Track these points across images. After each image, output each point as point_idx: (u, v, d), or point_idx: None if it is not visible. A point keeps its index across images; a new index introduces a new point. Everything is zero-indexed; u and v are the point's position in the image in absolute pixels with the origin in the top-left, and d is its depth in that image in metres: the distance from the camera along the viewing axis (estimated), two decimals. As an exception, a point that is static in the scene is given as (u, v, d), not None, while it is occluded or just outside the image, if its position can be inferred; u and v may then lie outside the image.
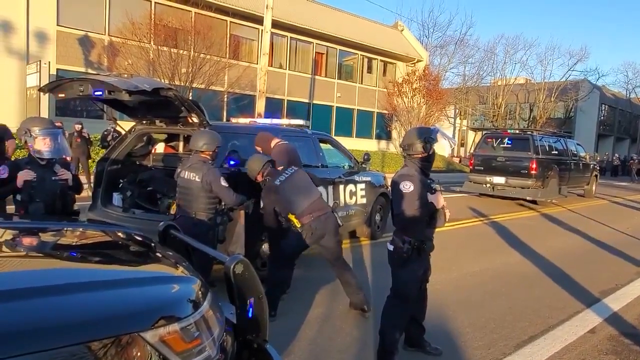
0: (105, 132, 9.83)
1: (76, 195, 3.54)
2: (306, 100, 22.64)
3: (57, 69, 14.55)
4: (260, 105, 13.47)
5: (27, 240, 2.13)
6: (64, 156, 3.48)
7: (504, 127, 26.59)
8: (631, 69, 52.53)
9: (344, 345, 3.46)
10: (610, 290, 5.11)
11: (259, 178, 4.11)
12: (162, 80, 12.72)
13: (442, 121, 28.46)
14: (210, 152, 3.91)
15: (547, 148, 12.52)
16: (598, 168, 16.97)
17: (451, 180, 15.65)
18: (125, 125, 6.02)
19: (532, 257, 6.52)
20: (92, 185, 6.01)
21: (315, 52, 23.05)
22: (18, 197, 3.15)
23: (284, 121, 6.58)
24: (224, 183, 3.81)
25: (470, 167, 13.27)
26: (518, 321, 4.06)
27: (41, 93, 6.13)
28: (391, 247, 3.06)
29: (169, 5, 16.83)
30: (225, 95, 18.04)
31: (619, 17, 65.33)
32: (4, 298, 1.31)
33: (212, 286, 1.98)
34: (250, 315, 1.80)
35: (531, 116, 37.42)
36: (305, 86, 22.49)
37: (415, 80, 23.08)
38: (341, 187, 6.05)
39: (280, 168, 4.16)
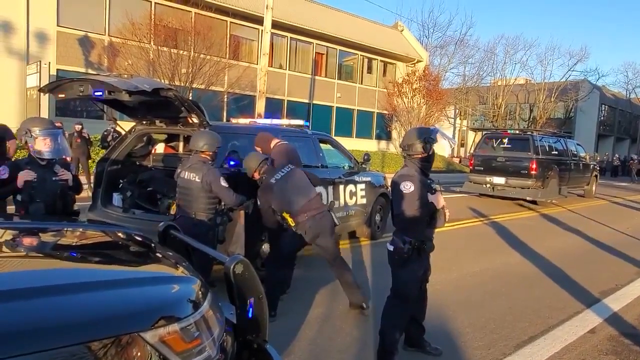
0: (105, 133, 9.84)
1: (76, 196, 3.54)
2: (306, 101, 22.65)
3: (57, 70, 14.56)
4: (260, 106, 13.48)
5: (28, 241, 2.13)
6: (64, 156, 3.48)
7: (504, 128, 26.59)
8: (631, 69, 52.74)
9: (344, 345, 3.46)
10: (610, 290, 5.11)
11: (256, 176, 4.11)
12: (162, 81, 12.73)
13: (442, 121, 28.46)
14: (211, 153, 3.91)
15: (547, 148, 12.52)
16: (598, 168, 16.98)
17: (451, 180, 15.65)
18: (125, 125, 6.02)
19: (532, 257, 6.52)
20: (92, 185, 6.01)
21: (315, 53, 23.06)
22: (18, 197, 3.15)
23: (284, 121, 6.58)
24: (223, 183, 3.81)
25: (470, 167, 13.27)
26: (518, 321, 4.06)
27: (41, 93, 6.13)
28: (391, 248, 3.06)
29: (169, 6, 16.83)
30: (225, 96, 18.04)
31: (619, 17, 65.45)
32: (4, 298, 1.31)
33: (212, 286, 1.98)
34: (250, 315, 1.80)
35: (531, 116, 37.43)
36: (305, 86, 22.50)
37: (415, 80, 23.08)
38: (341, 187, 6.06)
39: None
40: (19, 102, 13.68)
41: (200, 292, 1.68)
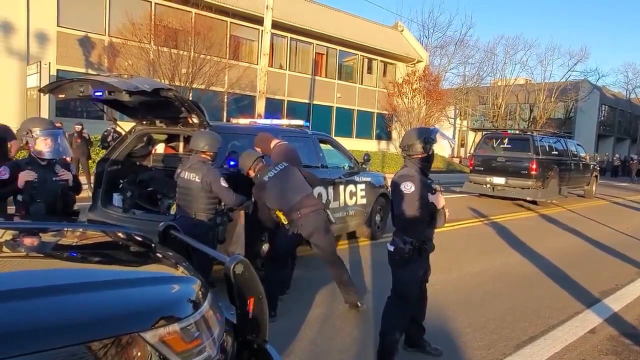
0: (106, 133, 9.84)
1: (76, 196, 3.54)
2: (306, 101, 22.65)
3: (58, 70, 14.56)
4: (260, 106, 13.48)
5: (28, 241, 2.14)
6: (64, 157, 3.48)
7: (504, 128, 26.58)
8: (631, 69, 52.75)
9: (344, 345, 3.46)
10: (611, 290, 5.11)
11: (251, 174, 4.11)
12: (162, 81, 12.73)
13: (442, 122, 28.45)
14: (211, 153, 3.91)
15: (547, 148, 12.52)
16: (598, 168, 16.97)
17: (451, 180, 15.65)
18: (126, 125, 6.02)
19: (532, 257, 6.52)
20: (92, 185, 6.01)
21: (315, 53, 23.06)
22: (19, 197, 3.16)
23: (284, 121, 6.59)
24: (223, 183, 3.82)
25: (470, 167, 13.27)
26: (518, 321, 4.06)
27: (41, 94, 6.13)
28: (392, 248, 3.06)
29: (169, 6, 16.84)
30: (226, 96, 18.04)
31: (619, 17, 65.46)
32: (5, 298, 1.31)
33: (212, 286, 1.98)
34: (250, 315, 1.80)
35: (531, 116, 37.43)
36: (306, 87, 22.50)
37: (415, 80, 23.09)
38: (341, 187, 6.06)
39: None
40: (19, 102, 13.68)
41: (200, 292, 1.68)
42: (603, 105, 40.78)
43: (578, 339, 3.74)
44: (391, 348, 3.06)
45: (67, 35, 15.25)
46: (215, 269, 3.80)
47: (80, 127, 10.24)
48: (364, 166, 6.65)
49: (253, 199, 4.16)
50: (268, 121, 6.69)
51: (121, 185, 5.24)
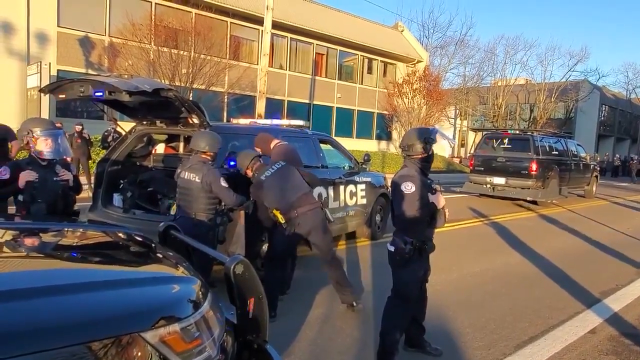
0: (106, 133, 9.84)
1: (76, 196, 3.55)
2: (306, 101, 22.66)
3: (58, 70, 14.57)
4: (260, 106, 13.48)
5: (28, 241, 2.14)
6: (64, 157, 3.48)
7: (504, 128, 26.57)
8: (631, 69, 52.73)
9: (344, 345, 3.46)
10: (611, 290, 5.11)
11: (249, 173, 4.11)
12: (163, 81, 12.73)
13: (442, 122, 28.46)
14: (212, 154, 3.91)
15: (547, 148, 12.52)
16: (598, 168, 16.97)
17: (451, 180, 15.65)
18: (126, 126, 6.03)
19: (533, 257, 6.52)
20: (92, 186, 6.01)
21: (316, 53, 23.07)
22: (20, 197, 3.16)
23: (284, 122, 6.59)
24: (223, 184, 3.82)
25: (471, 167, 13.27)
26: (518, 321, 4.06)
27: (42, 94, 6.14)
28: (392, 248, 3.06)
29: (169, 6, 16.85)
30: (226, 96, 18.04)
31: (619, 17, 65.44)
32: (5, 298, 1.31)
33: (212, 286, 1.98)
34: (250, 315, 1.80)
35: (531, 117, 37.43)
36: (306, 87, 22.50)
37: (416, 80, 23.09)
38: (341, 187, 6.06)
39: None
40: (19, 102, 13.69)
41: (200, 293, 1.68)
42: (603, 106, 40.78)
43: (578, 339, 3.74)
44: (391, 348, 3.06)
45: (68, 35, 15.26)
46: (215, 269, 3.80)
47: (81, 127, 10.24)
48: (364, 166, 6.65)
49: (253, 199, 4.16)
50: (268, 121, 6.70)
51: (121, 185, 5.24)
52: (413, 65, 26.83)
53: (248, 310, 1.79)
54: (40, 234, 2.27)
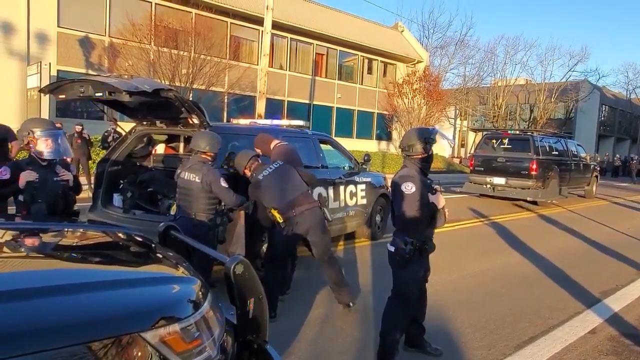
0: (106, 133, 9.84)
1: (76, 196, 3.55)
2: (306, 101, 22.66)
3: (58, 70, 14.57)
4: (260, 106, 13.48)
5: (28, 241, 2.14)
6: (65, 157, 3.48)
7: (504, 128, 26.58)
8: (631, 69, 52.62)
9: (345, 346, 3.46)
10: (611, 290, 5.11)
11: (247, 173, 4.11)
12: (163, 81, 12.74)
13: (442, 122, 28.45)
14: (212, 154, 3.91)
15: (547, 149, 12.52)
16: (598, 169, 16.96)
17: (451, 180, 15.65)
18: (126, 126, 6.03)
19: (533, 257, 6.52)
20: (92, 186, 6.01)
21: (316, 53, 23.08)
22: (20, 197, 3.16)
23: (284, 122, 6.59)
24: (223, 184, 3.82)
25: (471, 167, 13.27)
26: (518, 322, 4.06)
27: (42, 94, 6.14)
28: (392, 248, 3.05)
29: (169, 7, 16.85)
30: (226, 96, 18.05)
31: (619, 17, 65.45)
32: (5, 298, 1.31)
33: (212, 287, 1.98)
34: (250, 315, 1.80)
35: (531, 117, 37.42)
36: (306, 87, 22.51)
37: (416, 81, 23.09)
38: (341, 187, 6.06)
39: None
40: (19, 102, 13.69)
41: (200, 293, 1.68)
42: (603, 106, 40.77)
43: (578, 339, 3.74)
44: (391, 348, 3.06)
45: (68, 35, 15.26)
46: (215, 269, 3.80)
47: (81, 127, 10.24)
48: (364, 166, 6.65)
49: (253, 200, 4.16)
50: (268, 121, 6.70)
51: (121, 185, 5.24)
52: (413, 66, 26.84)
53: (248, 310, 1.80)
54: (41, 234, 2.27)
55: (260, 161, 4.17)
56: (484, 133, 15.46)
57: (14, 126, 5.31)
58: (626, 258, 6.70)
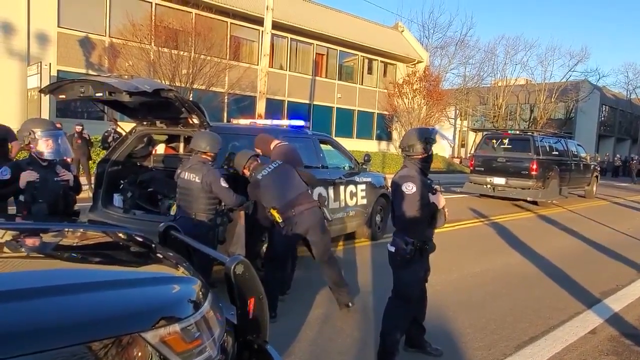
0: (106, 134, 9.85)
1: (77, 196, 3.55)
2: (307, 101, 22.66)
3: (58, 71, 14.58)
4: (260, 106, 13.48)
5: (29, 241, 2.14)
6: (65, 157, 3.49)
7: (504, 128, 26.58)
8: (632, 69, 52.44)
9: (345, 346, 3.46)
10: (611, 290, 5.11)
11: (246, 172, 4.10)
12: (163, 82, 12.74)
13: (442, 122, 28.45)
14: (212, 154, 3.91)
15: (547, 149, 12.52)
16: (599, 169, 16.96)
17: (452, 181, 15.65)
18: (126, 126, 6.03)
19: (533, 257, 6.52)
20: (92, 186, 6.01)
21: (316, 53, 23.08)
22: (21, 197, 3.16)
23: (284, 122, 6.59)
24: (224, 184, 3.82)
25: (471, 167, 13.27)
26: (519, 322, 4.06)
27: (42, 94, 6.14)
28: (392, 249, 3.05)
29: (169, 7, 16.86)
30: (226, 97, 18.05)
31: (619, 18, 65.44)
32: (5, 298, 1.31)
33: (212, 287, 1.98)
34: (250, 315, 1.80)
35: (532, 117, 37.42)
36: (306, 87, 22.51)
37: (416, 81, 23.09)
38: (341, 188, 6.06)
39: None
40: (19, 103, 13.70)
41: (200, 293, 1.68)
42: (603, 106, 40.77)
43: (578, 340, 3.74)
44: (392, 349, 3.06)
45: (68, 35, 15.27)
46: (215, 269, 3.80)
47: (81, 127, 10.25)
48: (364, 167, 6.65)
49: (253, 200, 4.16)
50: (268, 122, 6.70)
51: (122, 185, 5.24)
52: (413, 66, 26.84)
53: (248, 310, 1.80)
54: (41, 235, 2.27)
55: (259, 161, 4.17)
56: (484, 133, 15.47)
57: (14, 126, 5.31)
58: (626, 258, 6.70)
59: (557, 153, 12.94)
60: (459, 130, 37.99)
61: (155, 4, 16.92)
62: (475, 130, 36.10)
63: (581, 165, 14.12)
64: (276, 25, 16.25)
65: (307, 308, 4.11)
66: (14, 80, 13.99)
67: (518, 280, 5.39)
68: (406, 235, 2.99)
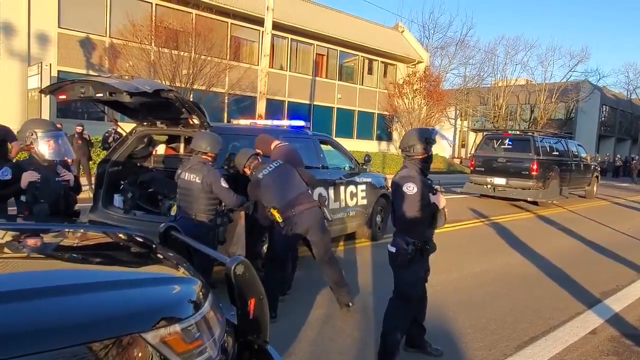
0: (107, 134, 9.86)
1: (77, 197, 3.55)
2: (307, 102, 22.66)
3: (59, 71, 14.57)
4: (261, 107, 13.48)
5: (29, 242, 2.14)
6: (66, 158, 3.49)
7: (504, 128, 26.58)
8: (632, 69, 52.26)
9: (345, 346, 3.46)
10: (612, 291, 5.10)
11: (247, 171, 4.11)
12: (163, 82, 12.74)
13: (442, 122, 28.44)
14: (213, 154, 3.91)
15: (547, 149, 12.51)
16: (599, 169, 16.95)
17: (452, 181, 15.65)
18: (127, 127, 6.03)
19: (533, 258, 6.52)
20: (92, 186, 6.02)
21: (316, 54, 23.08)
22: (22, 198, 3.17)
23: (284, 122, 6.59)
24: (224, 184, 3.82)
25: (471, 168, 13.27)
26: (519, 322, 4.06)
27: (42, 95, 6.15)
28: (393, 249, 3.05)
29: (169, 7, 16.86)
30: (226, 97, 18.05)
31: (620, 18, 65.42)
32: (6, 299, 1.31)
33: (213, 287, 1.98)
34: (251, 316, 1.80)
35: (532, 117, 37.41)
36: (306, 87, 22.51)
37: (416, 81, 23.08)
38: (342, 188, 6.06)
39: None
40: (20, 103, 13.71)
41: (201, 293, 1.68)
42: (604, 106, 40.74)
43: (579, 340, 3.74)
44: (392, 349, 3.06)
45: (68, 36, 15.28)
46: (216, 269, 3.81)
47: (81, 128, 10.26)
48: (364, 167, 6.65)
49: (252, 200, 4.16)
50: (269, 122, 6.70)
51: (122, 186, 5.25)
52: (413, 66, 26.84)
53: (249, 310, 1.80)
54: (42, 235, 2.27)
55: (260, 159, 4.17)
56: (485, 133, 15.47)
57: (15, 127, 5.31)
58: (627, 258, 6.70)
59: (557, 153, 12.94)
60: (459, 131, 37.98)
61: (156, 4, 16.93)
62: (475, 131, 36.09)
63: (581, 165, 14.11)
64: (276, 26, 16.25)
65: (307, 308, 4.11)
66: (14, 80, 14.00)
67: (518, 281, 5.39)
68: (407, 236, 3.00)
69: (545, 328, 3.96)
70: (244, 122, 6.57)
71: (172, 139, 5.92)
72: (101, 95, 4.07)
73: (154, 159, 5.60)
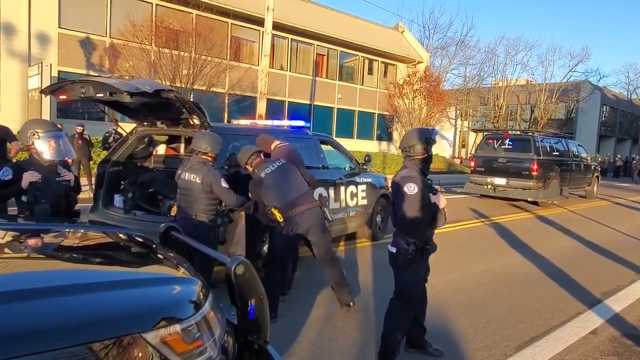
0: (107, 134, 9.86)
1: (77, 197, 3.55)
2: (307, 102, 22.66)
3: (59, 71, 14.57)
4: (261, 107, 13.47)
5: (30, 242, 2.14)
6: (66, 158, 3.49)
7: (505, 128, 26.58)
8: (632, 69, 52.41)
9: (345, 346, 3.46)
10: (612, 291, 5.10)
11: (249, 168, 4.10)
12: (164, 82, 12.74)
13: (443, 122, 28.45)
14: (213, 155, 3.92)
15: (548, 149, 12.51)
16: (599, 169, 16.95)
17: (452, 181, 15.65)
18: (127, 127, 6.03)
19: (533, 258, 6.51)
20: (93, 187, 6.02)
21: (316, 54, 23.07)
22: (23, 198, 3.17)
23: (285, 122, 6.59)
24: (224, 184, 3.82)
25: (471, 168, 13.27)
26: (519, 322, 4.06)
27: (43, 95, 6.15)
28: (393, 249, 3.05)
29: (170, 7, 16.87)
30: (226, 97, 18.05)
31: (620, 18, 65.40)
32: (7, 299, 1.31)
33: (213, 287, 1.98)
34: (251, 316, 1.80)
35: (532, 117, 37.41)
36: (306, 88, 22.51)
37: (416, 81, 23.06)
38: (342, 188, 6.06)
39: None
40: (20, 103, 13.71)
41: (201, 293, 1.68)
42: (604, 106, 40.73)
43: (579, 340, 3.74)
44: (393, 349, 3.06)
45: (69, 36, 15.28)
46: (216, 269, 3.81)
47: (81, 128, 10.26)
48: (364, 167, 6.65)
49: (253, 200, 4.15)
50: (269, 122, 6.70)
51: (122, 186, 5.25)
52: (414, 66, 26.83)
53: (249, 311, 1.79)
54: (42, 235, 2.27)
55: (262, 157, 4.16)
56: (485, 133, 15.46)
57: (15, 127, 5.31)
58: (627, 258, 6.69)
59: (557, 153, 12.94)
60: (460, 131, 37.97)
61: (156, 4, 16.93)
62: (475, 131, 36.09)
63: (582, 165, 14.11)
64: (277, 26, 16.25)
65: (307, 308, 4.11)
66: (14, 81, 14.01)
67: (518, 281, 5.39)
68: (407, 236, 3.00)
69: (545, 328, 3.95)
70: (244, 122, 6.57)
71: (172, 139, 5.92)
72: (101, 95, 4.07)
73: (154, 159, 5.60)
